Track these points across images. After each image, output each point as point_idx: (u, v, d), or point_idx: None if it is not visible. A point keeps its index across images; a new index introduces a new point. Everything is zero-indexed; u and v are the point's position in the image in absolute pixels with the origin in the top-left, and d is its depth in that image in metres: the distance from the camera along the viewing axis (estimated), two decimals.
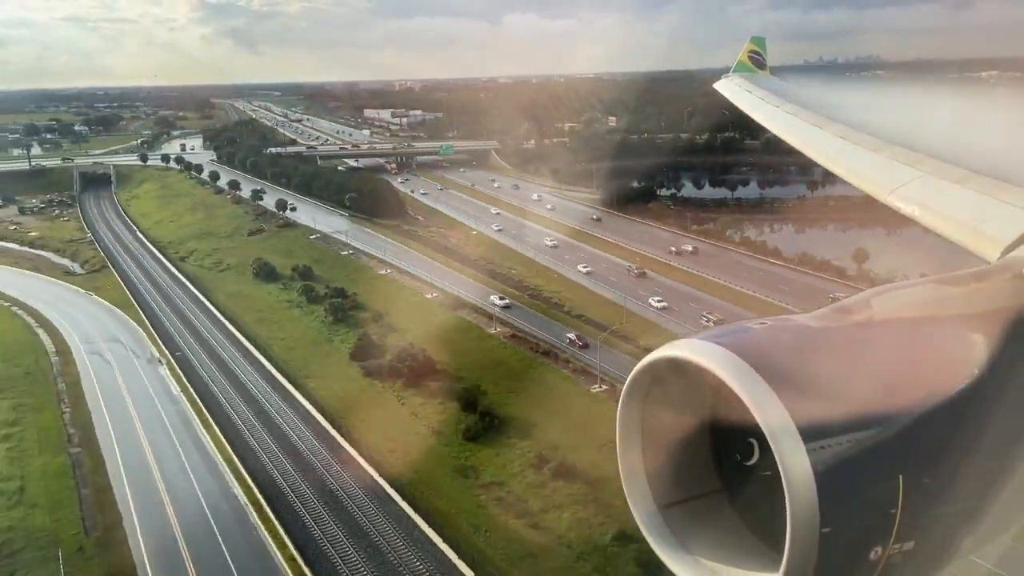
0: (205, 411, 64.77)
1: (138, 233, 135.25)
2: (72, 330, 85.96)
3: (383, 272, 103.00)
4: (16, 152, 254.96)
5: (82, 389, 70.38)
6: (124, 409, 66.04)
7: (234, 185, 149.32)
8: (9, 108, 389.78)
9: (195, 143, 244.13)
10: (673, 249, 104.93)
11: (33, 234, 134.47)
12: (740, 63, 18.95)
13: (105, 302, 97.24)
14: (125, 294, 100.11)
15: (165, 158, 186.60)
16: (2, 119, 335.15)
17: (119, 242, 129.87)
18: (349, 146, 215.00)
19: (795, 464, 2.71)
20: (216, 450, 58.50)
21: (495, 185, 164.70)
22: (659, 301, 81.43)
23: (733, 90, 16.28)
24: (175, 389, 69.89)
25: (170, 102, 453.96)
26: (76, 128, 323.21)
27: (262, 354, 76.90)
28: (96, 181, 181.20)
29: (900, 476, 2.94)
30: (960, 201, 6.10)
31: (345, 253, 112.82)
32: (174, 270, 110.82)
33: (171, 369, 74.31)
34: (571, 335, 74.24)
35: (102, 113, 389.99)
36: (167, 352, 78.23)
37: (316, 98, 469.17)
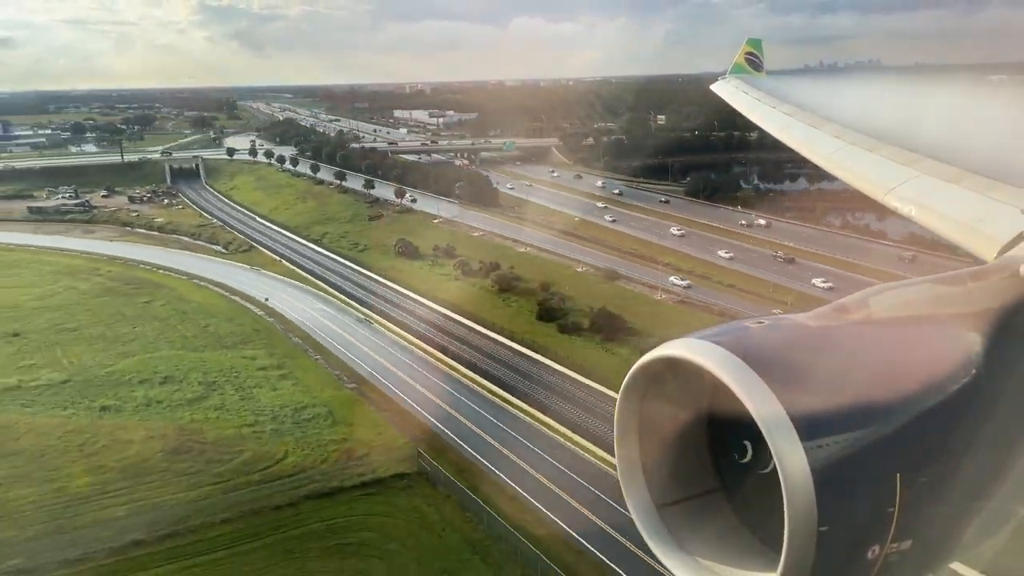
0: (444, 356, 75.29)
1: (258, 219, 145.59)
2: (266, 297, 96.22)
3: (522, 250, 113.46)
4: (74, 149, 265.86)
5: (317, 342, 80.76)
6: (369, 356, 76.43)
7: (340, 176, 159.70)
8: (31, 109, 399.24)
9: (251, 140, 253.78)
10: (743, 223, 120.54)
11: (159, 220, 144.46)
12: (736, 65, 19.51)
13: (274, 275, 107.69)
14: (288, 269, 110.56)
15: (252, 152, 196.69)
16: (34, 119, 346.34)
17: (248, 226, 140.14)
18: (429, 143, 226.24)
19: (793, 463, 2.77)
20: (477, 386, 68.93)
21: (554, 174, 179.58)
22: (824, 282, 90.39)
23: (730, 92, 16.59)
24: (402, 341, 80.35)
25: (189, 103, 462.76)
26: (119, 126, 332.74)
27: (457, 313, 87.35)
28: (183, 174, 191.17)
29: (898, 475, 3.00)
30: (957, 200, 6.20)
31: (476, 234, 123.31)
32: (319, 249, 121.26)
33: (384, 327, 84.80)
34: (776, 312, 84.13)
35: (137, 114, 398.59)
36: (371, 313, 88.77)
37: (333, 100, 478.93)
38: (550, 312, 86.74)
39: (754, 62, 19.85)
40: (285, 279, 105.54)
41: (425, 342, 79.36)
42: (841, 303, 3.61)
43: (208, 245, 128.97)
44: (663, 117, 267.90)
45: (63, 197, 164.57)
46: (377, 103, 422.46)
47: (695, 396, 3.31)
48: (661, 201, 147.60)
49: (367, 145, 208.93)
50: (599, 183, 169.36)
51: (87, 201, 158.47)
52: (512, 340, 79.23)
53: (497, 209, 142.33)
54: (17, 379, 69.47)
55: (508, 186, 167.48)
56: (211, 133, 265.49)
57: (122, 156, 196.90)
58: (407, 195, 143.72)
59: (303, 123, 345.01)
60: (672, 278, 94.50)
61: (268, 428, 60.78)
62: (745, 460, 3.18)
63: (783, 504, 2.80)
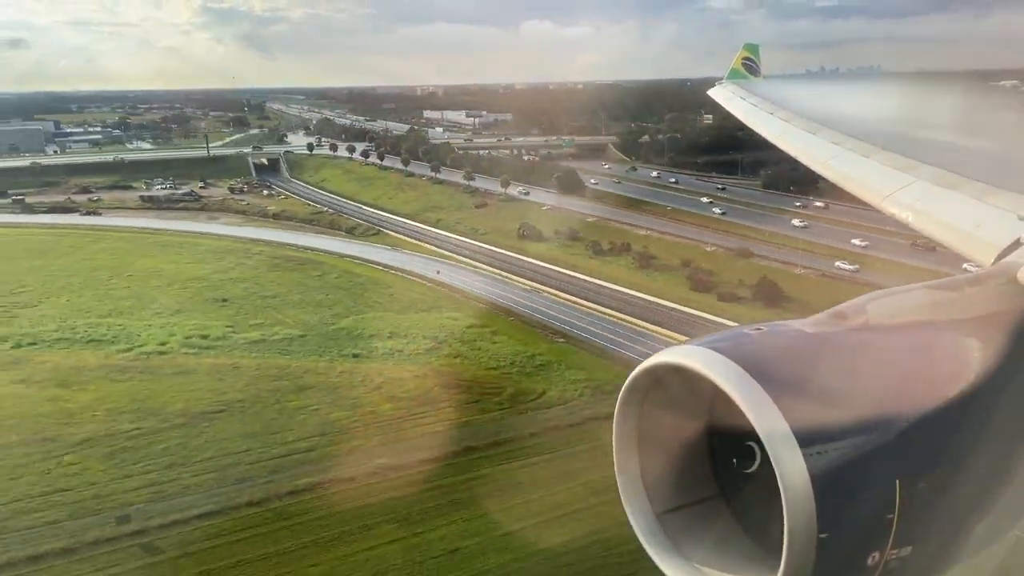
0: (625, 316, 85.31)
1: (364, 207, 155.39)
2: (428, 271, 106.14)
3: (643, 233, 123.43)
4: (131, 145, 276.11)
5: (500, 306, 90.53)
6: (556, 318, 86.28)
7: (435, 168, 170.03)
8: (53, 108, 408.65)
9: (317, 138, 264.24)
10: (798, 204, 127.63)
11: (271, 208, 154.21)
12: (733, 70, 20.11)
13: (415, 254, 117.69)
14: (426, 249, 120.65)
15: (333, 147, 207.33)
16: (60, 119, 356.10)
17: (359, 214, 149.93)
18: (503, 138, 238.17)
19: (792, 469, 2.84)
20: (670, 340, 78.81)
21: (606, 167, 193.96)
22: (975, 267, 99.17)
23: (727, 97, 17.07)
24: (577, 307, 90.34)
25: (210, 104, 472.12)
26: (163, 125, 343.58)
27: (612, 284, 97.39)
28: (263, 168, 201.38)
29: (897, 481, 3.07)
30: (953, 206, 6.33)
31: (591, 219, 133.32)
32: (441, 232, 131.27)
33: (554, 296, 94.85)
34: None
35: (168, 114, 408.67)
36: (537, 285, 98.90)
37: (352, 101, 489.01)
38: (702, 285, 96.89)
39: (751, 67, 20.45)
40: (430, 257, 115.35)
41: (601, 306, 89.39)
42: (839, 309, 3.72)
43: (331, 230, 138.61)
44: (710, 117, 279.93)
45: (163, 187, 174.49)
46: (403, 104, 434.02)
47: (694, 403, 3.40)
48: (718, 189, 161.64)
49: (440, 142, 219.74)
50: (653, 174, 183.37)
51: (193, 191, 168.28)
52: (681, 305, 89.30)
53: (590, 198, 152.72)
54: (259, 334, 79.07)
55: (592, 181, 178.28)
56: (279, 132, 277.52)
57: (207, 151, 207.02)
58: (511, 186, 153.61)
59: (338, 122, 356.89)
60: (838, 262, 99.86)
61: (513, 371, 70.55)
62: (744, 467, 3.27)
63: (783, 511, 2.89)
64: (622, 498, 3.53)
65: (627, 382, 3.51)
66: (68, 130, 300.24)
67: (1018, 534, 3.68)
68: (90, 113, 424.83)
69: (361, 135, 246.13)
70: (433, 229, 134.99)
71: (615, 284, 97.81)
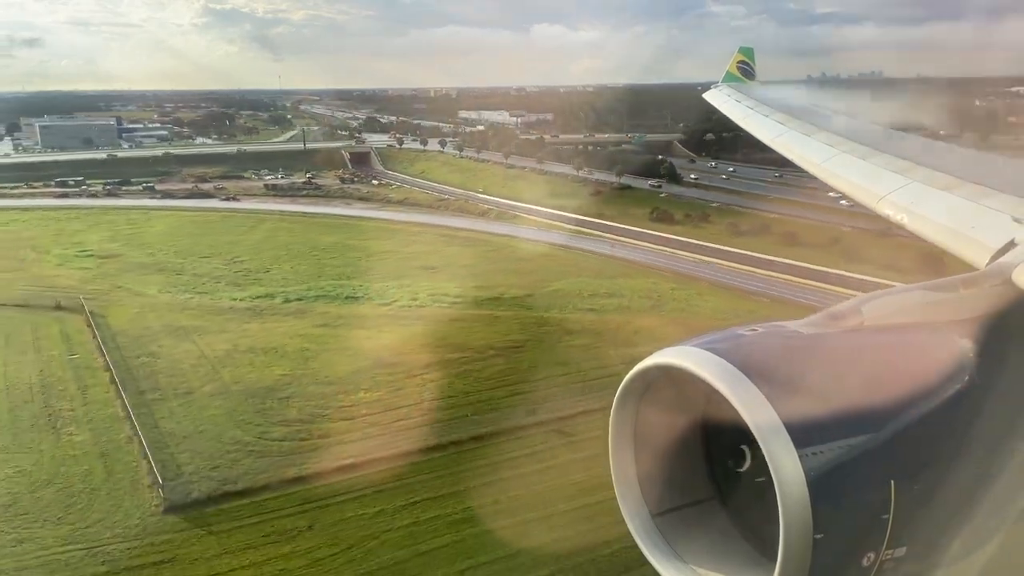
0: (820, 282, 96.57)
1: (479, 194, 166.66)
2: (586, 246, 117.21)
3: (772, 216, 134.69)
4: (197, 140, 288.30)
5: (685, 275, 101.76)
6: (743, 286, 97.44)
7: (540, 160, 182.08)
8: (82, 107, 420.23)
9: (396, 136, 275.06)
10: None
11: (393, 196, 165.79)
12: (729, 73, 20.64)
13: (573, 235, 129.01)
14: (576, 230, 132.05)
15: (424, 142, 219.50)
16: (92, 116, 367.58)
17: (483, 201, 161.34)
18: (587, 135, 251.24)
19: (787, 470, 2.97)
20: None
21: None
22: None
23: (723, 100, 17.76)
24: (762, 275, 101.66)
25: (232, 104, 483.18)
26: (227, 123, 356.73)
27: (780, 257, 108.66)
28: (354, 161, 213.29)
29: (892, 482, 3.20)
30: (948, 208, 6.58)
31: (715, 204, 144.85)
32: (579, 216, 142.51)
33: (734, 269, 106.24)
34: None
35: (214, 112, 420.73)
36: (707, 258, 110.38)
37: (374, 102, 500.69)
38: (860, 257, 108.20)
39: (746, 70, 21.09)
40: (582, 236, 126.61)
41: (776, 272, 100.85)
42: (834, 310, 4.00)
43: (464, 214, 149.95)
44: None
45: (273, 177, 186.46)
46: (436, 105, 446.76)
47: (690, 404, 3.61)
48: (776, 176, 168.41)
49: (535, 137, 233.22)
50: (711, 163, 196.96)
51: (310, 180, 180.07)
52: (849, 272, 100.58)
53: (693, 186, 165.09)
54: (489, 293, 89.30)
55: (693, 176, 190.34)
56: (358, 129, 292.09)
57: (304, 144, 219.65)
58: (626, 177, 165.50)
59: (383, 120, 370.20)
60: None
61: (738, 322, 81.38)
62: (740, 468, 3.43)
63: (778, 512, 3.01)
64: (618, 500, 3.75)
65: (622, 383, 3.82)
66: (131, 126, 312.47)
67: (1011, 534, 3.75)
68: (116, 112, 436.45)
69: (433, 131, 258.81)
70: (564, 213, 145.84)
71: (773, 256, 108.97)
